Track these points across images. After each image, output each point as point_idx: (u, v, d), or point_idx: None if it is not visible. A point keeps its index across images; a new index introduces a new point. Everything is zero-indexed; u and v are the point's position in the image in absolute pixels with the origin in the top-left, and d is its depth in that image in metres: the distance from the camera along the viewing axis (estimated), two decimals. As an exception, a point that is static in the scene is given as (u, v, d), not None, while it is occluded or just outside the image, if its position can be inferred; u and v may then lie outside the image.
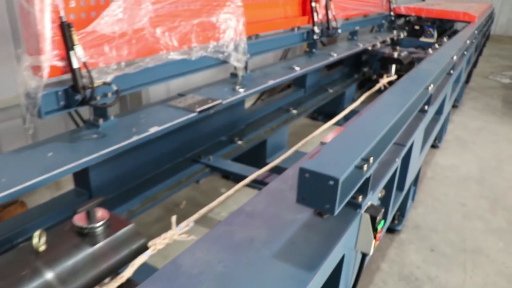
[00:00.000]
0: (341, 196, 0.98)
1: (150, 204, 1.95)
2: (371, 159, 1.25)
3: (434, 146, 3.56)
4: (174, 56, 2.07)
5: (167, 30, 2.01)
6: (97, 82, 1.69)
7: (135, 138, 1.74)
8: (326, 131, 2.72)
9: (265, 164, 2.62)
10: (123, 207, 1.87)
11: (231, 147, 2.45)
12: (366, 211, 1.27)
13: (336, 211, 0.98)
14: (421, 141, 2.22)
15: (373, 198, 1.37)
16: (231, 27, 2.34)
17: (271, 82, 2.57)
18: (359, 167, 1.20)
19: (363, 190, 1.26)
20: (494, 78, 6.33)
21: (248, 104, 3.28)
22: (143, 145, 1.91)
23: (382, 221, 1.30)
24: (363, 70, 4.44)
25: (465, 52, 3.99)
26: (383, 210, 1.30)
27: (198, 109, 2.02)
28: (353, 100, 3.86)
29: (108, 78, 1.77)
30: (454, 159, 3.41)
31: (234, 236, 1.09)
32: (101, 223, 1.11)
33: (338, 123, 3.62)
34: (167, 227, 1.46)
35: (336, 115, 2.99)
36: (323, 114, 4.06)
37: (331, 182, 0.96)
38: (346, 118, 3.47)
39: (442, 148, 3.59)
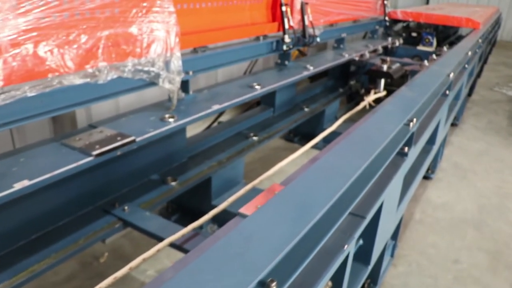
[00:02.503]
0: None
1: (25, 278, 1.45)
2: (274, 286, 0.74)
3: (426, 177, 3.03)
4: (72, 80, 1.57)
5: (57, 47, 1.50)
6: None
7: (-16, 200, 1.24)
8: (300, 157, 2.22)
9: (211, 207, 2.13)
10: (-18, 287, 1.37)
11: (160, 191, 1.94)
12: None
13: None
14: (398, 193, 1.70)
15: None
16: (159, 39, 1.84)
17: (216, 107, 2.05)
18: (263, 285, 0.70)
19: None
20: (499, 90, 5.77)
21: (200, 128, 2.78)
22: (26, 197, 1.42)
23: None
24: (349, 83, 3.92)
25: (466, 66, 3.46)
26: None
27: (96, 152, 1.51)
28: (336, 119, 3.36)
29: (-46, 115, 1.28)
30: (449, 194, 2.87)
31: None
32: None
33: (316, 146, 3.12)
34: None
35: (314, 136, 2.50)
36: (300, 135, 3.54)
37: None
38: (326, 140, 2.99)
39: (436, 180, 3.06)
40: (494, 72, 6.74)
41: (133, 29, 1.76)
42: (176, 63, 1.90)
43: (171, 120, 1.85)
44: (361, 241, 1.45)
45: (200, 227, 2.28)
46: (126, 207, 1.76)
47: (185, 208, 2.37)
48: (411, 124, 1.63)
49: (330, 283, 1.20)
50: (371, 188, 1.37)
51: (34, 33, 1.43)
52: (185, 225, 1.58)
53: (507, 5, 9.96)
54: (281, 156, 3.01)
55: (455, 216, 2.62)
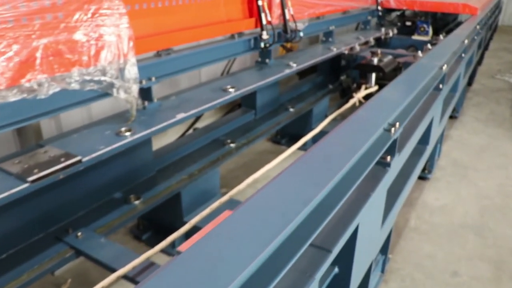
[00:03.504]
0: None
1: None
2: None
3: (423, 177, 2.82)
4: (5, 96, 1.39)
5: (-18, 59, 1.32)
6: None
7: None
8: (286, 160, 2.03)
9: (184, 223, 1.96)
10: None
11: (121, 211, 1.76)
12: None
13: None
14: (382, 209, 1.50)
15: None
16: (109, 45, 1.64)
17: (180, 116, 1.86)
18: None
19: None
20: (501, 77, 5.50)
21: (173, 137, 2.59)
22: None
23: None
24: (340, 78, 3.70)
25: (463, 55, 3.23)
26: None
27: (32, 178, 1.33)
28: (326, 117, 3.16)
29: None
30: (448, 196, 2.66)
31: None
32: None
33: (304, 147, 2.94)
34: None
35: (303, 137, 2.32)
36: (288, 136, 3.35)
37: None
38: (314, 140, 2.81)
39: (434, 180, 2.85)
40: (495, 59, 6.46)
41: (78, 36, 1.56)
42: (132, 70, 1.71)
43: (127, 134, 1.66)
44: (336, 269, 1.26)
45: (173, 245, 2.11)
46: (79, 233, 1.58)
47: (157, 225, 2.20)
48: (393, 129, 1.42)
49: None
50: (343, 210, 1.18)
51: (-50, 46, 1.25)
52: (157, 243, 1.42)
53: (508, -12, 9.62)
54: (267, 160, 2.81)
55: (454, 220, 2.41)
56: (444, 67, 2.38)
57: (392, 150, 1.46)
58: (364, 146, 1.29)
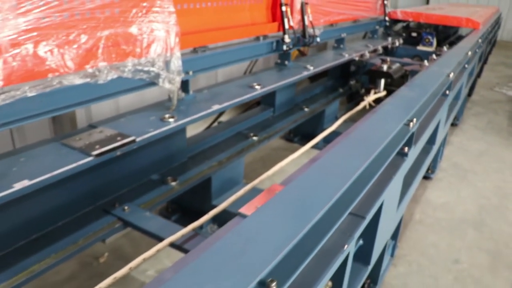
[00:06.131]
0: None
1: (25, 278, 1.45)
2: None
3: (426, 177, 3.03)
4: (72, 80, 1.57)
5: (57, 47, 1.50)
6: None
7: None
8: (300, 157, 2.22)
9: (211, 206, 2.13)
10: (-18, 287, 1.37)
11: (160, 191, 1.94)
12: None
13: None
14: (398, 193, 1.70)
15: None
16: (159, 39, 1.84)
17: (215, 107, 2.06)
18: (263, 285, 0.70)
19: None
20: (499, 90, 5.76)
21: (200, 128, 2.78)
22: (26, 197, 1.42)
23: None
24: (349, 83, 3.92)
25: (466, 66, 3.46)
26: None
27: (96, 152, 1.51)
28: (336, 119, 3.37)
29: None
30: (449, 195, 2.87)
31: None
32: None
33: (316, 146, 3.13)
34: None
35: (314, 136, 2.51)
36: (300, 135, 3.54)
37: None
38: (326, 140, 2.99)
39: (436, 180, 3.06)
40: (494, 72, 6.73)
41: (133, 29, 1.76)
42: (176, 63, 1.90)
43: (171, 120, 1.85)
44: (361, 241, 1.45)
45: (200, 227, 2.29)
46: (126, 207, 1.76)
47: (185, 208, 2.37)
48: (411, 124, 1.63)
49: (330, 283, 1.20)
50: (371, 188, 1.37)
51: (34, 33, 1.43)
52: (185, 225, 1.59)
53: (507, 5, 9.97)
54: (281, 156, 3.01)
55: (455, 216, 2.61)
56: (451, 75, 2.60)
57: (409, 143, 1.67)
58: (388, 137, 1.49)
